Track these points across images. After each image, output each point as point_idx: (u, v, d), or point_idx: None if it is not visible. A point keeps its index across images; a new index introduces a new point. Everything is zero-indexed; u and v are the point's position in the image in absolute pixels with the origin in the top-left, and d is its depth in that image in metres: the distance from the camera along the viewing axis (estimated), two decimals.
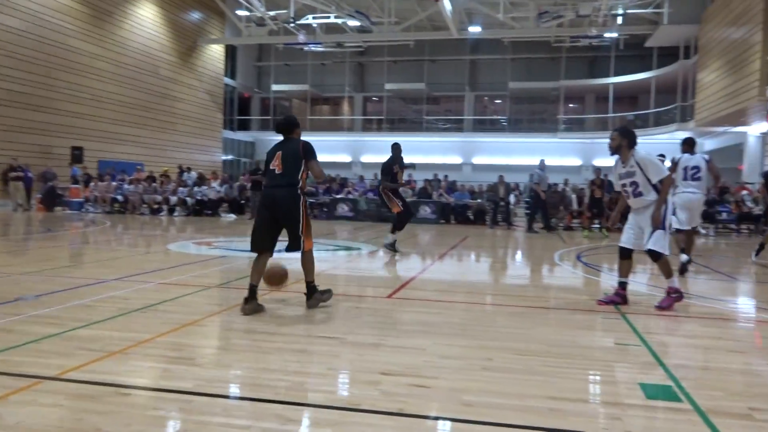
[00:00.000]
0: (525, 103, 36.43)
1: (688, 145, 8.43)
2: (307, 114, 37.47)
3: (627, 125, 6.07)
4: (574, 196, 18.72)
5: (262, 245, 5.28)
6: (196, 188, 20.99)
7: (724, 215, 18.09)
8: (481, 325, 4.94)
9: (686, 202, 8.11)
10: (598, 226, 16.76)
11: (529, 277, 8.71)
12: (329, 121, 38.28)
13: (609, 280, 7.81)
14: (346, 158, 35.90)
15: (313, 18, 27.41)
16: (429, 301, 6.03)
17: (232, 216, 19.95)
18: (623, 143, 5.72)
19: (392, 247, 9.92)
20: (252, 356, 3.84)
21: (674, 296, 5.67)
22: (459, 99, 36.60)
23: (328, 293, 5.51)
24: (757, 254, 10.22)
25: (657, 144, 31.74)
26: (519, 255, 11.74)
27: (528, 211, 17.58)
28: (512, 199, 19.51)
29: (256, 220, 5.40)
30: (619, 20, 25.56)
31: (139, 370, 3.50)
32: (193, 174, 22.58)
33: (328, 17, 27.06)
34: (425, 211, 19.48)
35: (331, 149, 35.89)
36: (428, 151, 33.84)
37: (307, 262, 5.43)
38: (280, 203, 5.17)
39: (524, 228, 16.95)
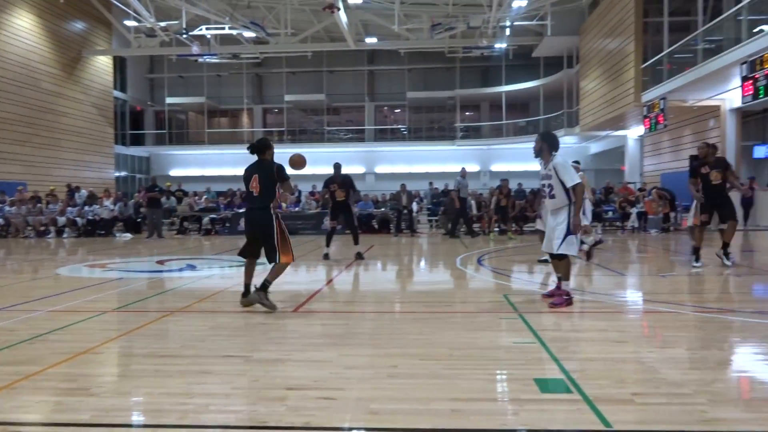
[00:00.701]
0: (423, 112, 37.36)
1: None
2: (204, 127, 36.55)
3: (549, 130, 6.51)
4: (473, 202, 19.38)
5: (248, 253, 6.17)
6: (86, 207, 19.91)
7: (610, 213, 19.37)
8: (387, 333, 5.03)
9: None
10: (498, 229, 17.48)
11: (433, 282, 8.94)
12: (229, 134, 37.47)
13: (510, 282, 8.16)
14: None
15: (207, 29, 26.77)
16: (335, 313, 6.06)
17: (128, 235, 19.08)
18: (544, 146, 6.10)
19: (359, 256, 11.10)
20: (153, 381, 3.71)
21: (566, 298, 6.04)
22: (359, 109, 36.98)
23: (271, 304, 5.82)
24: (727, 257, 8.89)
25: None
26: (423, 262, 12.01)
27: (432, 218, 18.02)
28: (415, 206, 19.92)
29: (246, 234, 6.24)
30: (507, 32, 26.81)
31: (30, 405, 3.30)
32: (83, 192, 21.40)
33: (223, 28, 26.54)
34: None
35: (231, 162, 35.12)
36: (331, 162, 33.77)
37: (277, 270, 5.98)
38: (255, 223, 5.99)
39: (458, 233, 17.46)
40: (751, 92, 14.21)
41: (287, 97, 35.22)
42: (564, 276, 6.09)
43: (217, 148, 35.52)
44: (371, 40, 29.35)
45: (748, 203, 18.09)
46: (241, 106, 36.43)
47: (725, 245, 8.85)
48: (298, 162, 6.34)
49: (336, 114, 37.96)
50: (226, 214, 20.09)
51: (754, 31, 14.97)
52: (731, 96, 18.26)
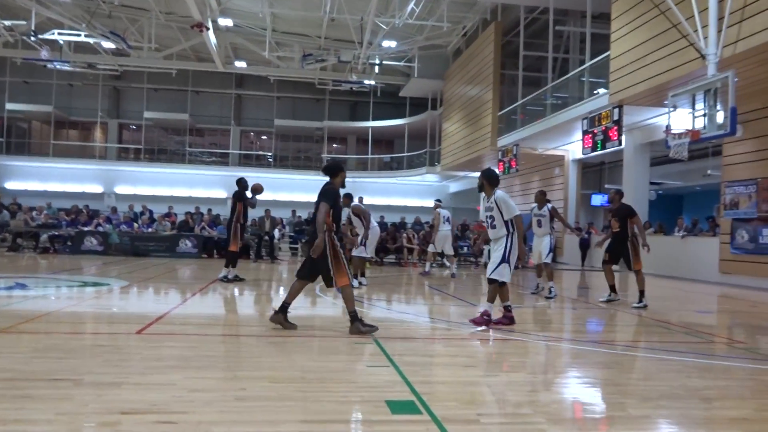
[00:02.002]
0: (291, 141, 37.24)
1: (350, 199, 10.76)
2: (50, 138, 33.65)
3: (489, 168, 7.09)
4: None
5: (300, 274, 6.07)
6: None
7: (465, 249, 20.27)
8: (238, 357, 4.80)
9: (375, 236, 11.12)
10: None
11: (290, 308, 8.73)
12: (78, 148, 34.80)
13: (368, 310, 8.18)
14: (97, 188, 32.87)
15: (60, 34, 24.88)
16: (183, 335, 5.70)
17: None
18: (485, 182, 6.69)
19: (227, 279, 10.77)
20: None
21: (486, 318, 6.54)
22: (224, 132, 36.06)
23: (371, 327, 5.77)
24: (640, 301, 8.81)
25: (410, 185, 34.76)
26: (281, 287, 11.74)
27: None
28: (277, 233, 19.60)
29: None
30: (377, 70, 27.64)
31: None
32: None
33: (78, 35, 24.80)
34: (186, 245, 18.59)
35: (79, 178, 32.67)
36: (191, 184, 32.62)
37: (344, 296, 5.93)
38: (310, 245, 5.87)
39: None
40: (590, 145, 15.68)
41: (147, 114, 33.55)
42: (489, 298, 6.61)
43: (64, 162, 32.78)
44: (240, 64, 28.92)
45: (585, 245, 19.79)
46: (94, 119, 34.04)
47: (641, 293, 8.83)
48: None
49: (199, 135, 36.72)
50: (69, 231, 18.47)
51: (594, 91, 16.64)
52: (574, 147, 20.06)
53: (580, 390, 4.32)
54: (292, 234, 21.33)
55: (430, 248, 14.55)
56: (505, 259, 6.45)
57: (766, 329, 7.17)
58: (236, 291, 10.15)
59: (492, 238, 6.72)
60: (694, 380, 4.50)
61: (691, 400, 3.93)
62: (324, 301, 9.08)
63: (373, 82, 29.12)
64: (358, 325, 5.75)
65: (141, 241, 18.48)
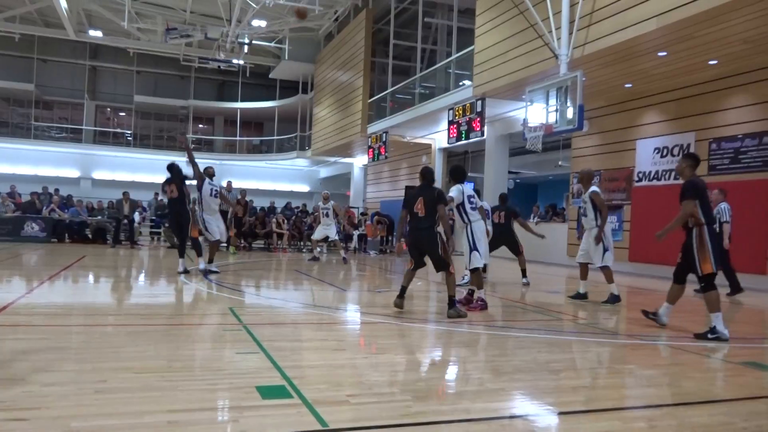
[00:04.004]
0: (152, 119, 35.27)
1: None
2: None
3: (455, 165, 7.79)
4: None
5: (415, 266, 6.82)
6: None
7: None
8: (96, 348, 4.53)
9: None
10: (225, 245, 17.11)
11: (153, 295, 8.37)
12: None
13: (236, 296, 8.02)
14: None
15: None
16: (32, 327, 5.27)
17: None
18: (450, 179, 7.29)
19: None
20: None
21: (481, 304, 7.08)
22: (77, 107, 33.36)
23: (463, 312, 6.52)
24: (524, 276, 10.55)
25: (280, 169, 34.33)
26: (143, 274, 11.19)
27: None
28: (137, 217, 18.57)
29: (410, 253, 6.83)
30: (246, 49, 26.86)
31: None
32: None
33: None
34: (32, 228, 17.08)
35: None
36: (38, 162, 29.94)
37: (450, 283, 6.58)
38: (423, 241, 6.60)
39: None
40: (455, 135, 16.37)
41: None
42: (477, 286, 7.13)
43: None
44: (96, 33, 26.83)
45: None
46: None
47: (522, 271, 10.51)
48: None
49: (47, 109, 33.66)
50: None
51: (460, 83, 17.37)
52: (440, 136, 20.81)
53: (442, 368, 4.57)
54: (153, 218, 20.27)
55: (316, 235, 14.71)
56: (473, 247, 7.02)
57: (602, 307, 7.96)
58: (90, 277, 9.53)
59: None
60: (544, 354, 4.92)
61: (541, 373, 4.30)
62: (190, 288, 8.78)
63: (242, 62, 28.30)
64: (457, 309, 6.49)
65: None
